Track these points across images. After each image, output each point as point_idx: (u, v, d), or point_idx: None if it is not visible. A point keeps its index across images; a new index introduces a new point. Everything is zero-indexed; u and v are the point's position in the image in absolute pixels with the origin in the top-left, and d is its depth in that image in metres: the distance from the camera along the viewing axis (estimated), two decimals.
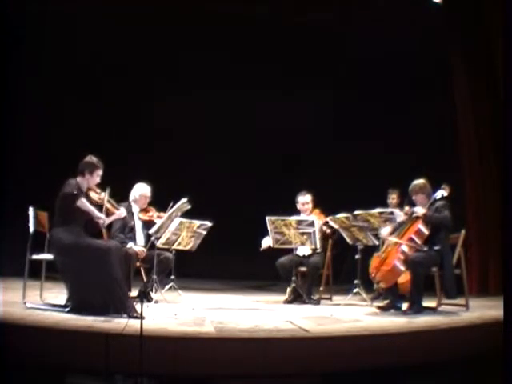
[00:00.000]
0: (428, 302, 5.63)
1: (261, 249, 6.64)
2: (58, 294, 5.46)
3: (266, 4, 8.45)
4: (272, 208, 6.60)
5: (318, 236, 6.33)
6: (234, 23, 8.60)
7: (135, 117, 8.95)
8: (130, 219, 6.02)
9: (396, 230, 5.79)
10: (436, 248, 5.48)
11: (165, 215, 5.98)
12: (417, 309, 5.39)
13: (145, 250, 5.97)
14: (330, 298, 6.73)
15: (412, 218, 5.60)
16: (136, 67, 8.74)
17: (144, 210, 6.26)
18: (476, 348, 4.35)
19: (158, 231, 5.93)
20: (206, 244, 6.38)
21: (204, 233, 6.29)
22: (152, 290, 5.92)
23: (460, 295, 5.62)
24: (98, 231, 5.20)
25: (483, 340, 4.45)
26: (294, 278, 6.53)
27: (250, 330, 4.50)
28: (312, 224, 6.34)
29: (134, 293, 5.63)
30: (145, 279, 6.20)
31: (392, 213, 6.31)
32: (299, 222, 6.38)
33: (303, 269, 6.63)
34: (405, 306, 5.57)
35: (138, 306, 4.71)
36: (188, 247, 6.30)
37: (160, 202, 6.30)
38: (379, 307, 5.84)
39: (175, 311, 5.24)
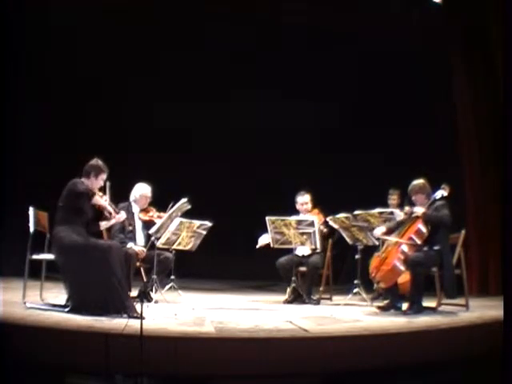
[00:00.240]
0: (428, 302, 5.63)
1: (257, 246, 6.65)
2: (58, 294, 5.45)
3: (266, 4, 8.45)
4: (272, 208, 6.60)
5: (317, 236, 6.34)
6: (233, 23, 8.60)
7: (135, 117, 8.95)
8: (131, 219, 6.01)
9: (392, 230, 5.81)
10: (436, 248, 5.49)
11: (165, 215, 5.98)
12: (417, 309, 5.39)
13: (145, 250, 5.97)
14: (330, 298, 6.73)
15: (412, 218, 5.60)
16: (136, 67, 8.73)
17: (144, 210, 6.26)
18: (476, 348, 4.35)
19: (158, 231, 5.93)
20: (206, 244, 6.38)
21: (204, 233, 6.29)
22: (152, 290, 5.92)
23: (460, 295, 5.62)
24: (99, 232, 5.20)
25: (483, 340, 4.45)
26: (293, 278, 6.54)
27: (250, 329, 4.50)
28: (312, 224, 6.34)
29: (134, 293, 5.63)
30: (145, 279, 6.19)
31: (392, 213, 6.32)
32: (299, 222, 6.38)
33: (303, 269, 6.64)
34: (405, 306, 5.58)
35: (138, 306, 4.71)
36: (188, 247, 6.31)
37: (160, 202, 6.30)
38: (379, 307, 5.84)
39: (175, 311, 5.24)
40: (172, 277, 6.27)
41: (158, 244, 5.99)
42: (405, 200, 6.65)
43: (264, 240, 6.58)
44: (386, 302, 5.92)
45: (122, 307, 4.71)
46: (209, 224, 6.26)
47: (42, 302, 5.26)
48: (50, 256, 5.16)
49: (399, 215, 6.21)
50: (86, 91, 8.55)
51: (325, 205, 6.85)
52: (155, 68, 8.89)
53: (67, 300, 4.91)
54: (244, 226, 8.15)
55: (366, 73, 8.72)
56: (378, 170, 8.48)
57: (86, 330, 4.08)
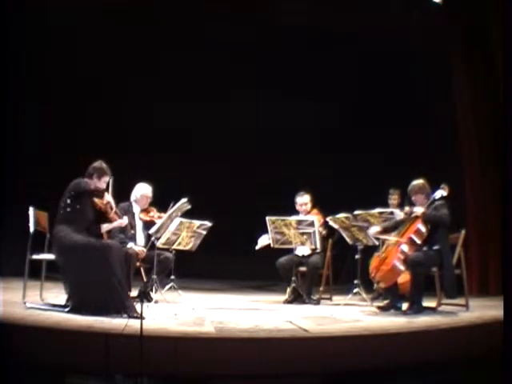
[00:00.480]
0: (428, 302, 5.63)
1: (257, 247, 6.65)
2: (58, 294, 5.45)
3: (266, 4, 8.45)
4: (272, 208, 6.60)
5: (317, 236, 6.34)
6: (233, 23, 8.60)
7: (135, 117, 8.95)
8: (131, 219, 6.01)
9: (387, 229, 5.82)
10: (436, 248, 5.49)
11: (165, 215, 5.98)
12: (417, 309, 5.39)
13: (145, 250, 5.97)
14: (330, 298, 6.73)
15: (411, 218, 5.60)
16: (136, 67, 8.74)
17: (145, 211, 6.25)
18: (476, 348, 4.35)
19: (158, 231, 5.93)
20: (206, 244, 6.38)
21: (204, 233, 6.29)
22: (152, 290, 5.92)
23: (460, 295, 5.62)
24: (99, 233, 5.20)
25: (483, 340, 4.45)
26: (293, 278, 6.54)
27: (250, 329, 4.50)
28: (312, 224, 6.34)
29: (134, 293, 5.63)
30: (145, 279, 6.19)
31: (392, 213, 6.32)
32: (299, 222, 6.38)
33: (303, 269, 6.64)
34: (405, 306, 5.58)
35: (138, 306, 4.71)
36: (188, 247, 6.31)
37: (160, 202, 6.30)
38: (379, 307, 5.84)
39: (175, 311, 5.24)
40: (172, 277, 6.27)
41: (158, 244, 5.99)
42: (405, 200, 6.65)
43: (264, 241, 6.58)
44: (385, 302, 5.92)
45: (122, 307, 4.71)
46: (209, 224, 6.26)
47: (42, 302, 5.26)
48: (50, 256, 5.16)
49: (399, 215, 6.20)
50: (85, 91, 8.55)
51: (325, 205, 6.84)
52: (155, 68, 8.89)
53: (67, 300, 4.91)
54: (244, 226, 8.15)
55: (366, 73, 8.72)
56: (377, 170, 8.47)
57: (86, 329, 4.08)
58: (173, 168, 8.83)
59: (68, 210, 4.99)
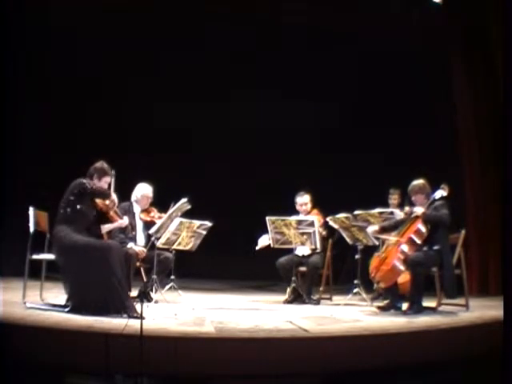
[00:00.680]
0: (428, 302, 5.63)
1: (257, 247, 6.65)
2: (58, 294, 5.45)
3: (266, 4, 8.44)
4: (272, 208, 6.60)
5: (317, 236, 6.34)
6: (233, 23, 8.60)
7: (135, 117, 8.96)
8: (131, 220, 6.01)
9: (385, 228, 5.82)
10: (436, 248, 5.49)
11: (165, 215, 5.98)
12: (417, 309, 5.39)
13: (145, 250, 5.97)
14: (330, 298, 6.73)
15: (411, 218, 5.60)
16: (136, 67, 8.74)
17: (146, 211, 6.25)
18: (476, 348, 4.35)
19: (158, 231, 5.93)
20: (206, 244, 6.38)
21: (204, 233, 6.29)
22: (152, 290, 5.92)
23: (460, 295, 5.62)
24: (100, 234, 5.20)
25: (483, 340, 4.45)
26: (293, 278, 6.54)
27: (250, 329, 4.50)
28: (312, 224, 6.34)
29: (134, 293, 5.63)
30: (145, 279, 6.19)
31: (392, 213, 6.33)
32: (299, 222, 6.38)
33: (303, 269, 6.64)
34: (405, 306, 5.57)
35: (138, 306, 4.71)
36: (188, 247, 6.31)
37: (160, 202, 6.30)
38: (379, 307, 5.84)
39: (175, 311, 5.24)
40: (172, 277, 6.27)
41: (158, 244, 5.99)
42: (405, 200, 6.65)
43: (264, 241, 6.58)
44: (386, 302, 5.92)
45: (122, 307, 4.71)
46: (209, 224, 6.26)
47: (42, 302, 5.25)
48: (50, 256, 5.16)
49: (399, 215, 6.21)
50: (86, 91, 8.55)
51: (325, 205, 6.85)
52: (155, 68, 8.89)
53: (67, 300, 4.91)
54: (244, 226, 8.15)
55: (366, 73, 8.72)
56: (378, 170, 8.48)
57: (86, 329, 4.08)
58: (173, 168, 8.83)
59: (68, 210, 4.99)
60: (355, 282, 6.41)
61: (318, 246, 6.42)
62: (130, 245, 5.85)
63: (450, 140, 7.93)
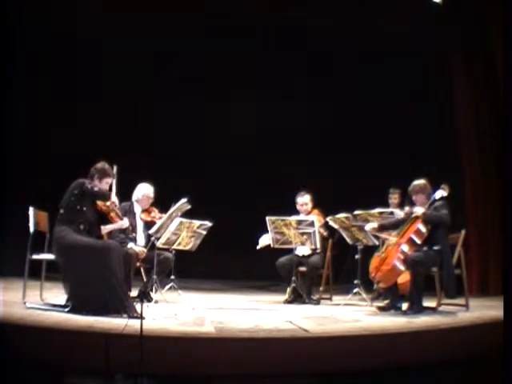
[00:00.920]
0: (428, 302, 5.63)
1: (258, 247, 6.65)
2: (58, 293, 5.45)
3: (266, 4, 8.44)
4: (272, 208, 6.60)
5: (317, 236, 6.34)
6: (234, 22, 8.60)
7: (135, 117, 8.96)
8: (132, 220, 6.00)
9: (384, 226, 5.82)
10: (436, 248, 5.48)
11: (165, 215, 5.98)
12: (417, 309, 5.39)
13: (145, 250, 5.97)
14: (330, 298, 6.73)
15: (411, 218, 5.60)
16: (136, 67, 8.74)
17: (146, 211, 6.25)
18: (476, 348, 4.35)
19: (157, 231, 5.93)
20: (206, 244, 6.38)
21: (204, 233, 6.29)
22: (152, 290, 5.92)
23: (460, 295, 5.62)
24: (100, 234, 5.20)
25: (483, 340, 4.45)
26: (293, 278, 6.54)
27: (250, 329, 4.50)
28: (312, 224, 6.34)
29: (134, 293, 5.63)
30: (145, 279, 6.19)
31: (392, 213, 6.33)
32: (299, 222, 6.38)
33: (303, 269, 6.64)
34: (405, 306, 5.57)
35: (138, 306, 4.71)
36: (188, 247, 6.31)
37: (160, 202, 6.30)
38: (379, 307, 5.84)
39: (175, 311, 5.24)
40: (172, 277, 6.26)
41: (158, 244, 5.99)
42: (405, 199, 6.65)
43: (265, 240, 6.58)
44: (386, 302, 5.92)
45: (122, 307, 4.70)
46: (209, 224, 6.26)
47: (42, 302, 5.25)
48: (50, 256, 5.16)
49: (399, 215, 6.21)
50: (85, 91, 8.55)
51: (325, 205, 6.85)
52: (155, 68, 8.89)
53: (67, 300, 4.91)
54: (244, 225, 8.15)
55: (366, 73, 8.72)
56: (378, 170, 8.48)
57: (86, 329, 4.08)
58: (173, 168, 8.83)
59: (68, 210, 4.99)
60: (355, 282, 6.41)
61: (318, 246, 6.42)
62: (130, 245, 5.85)
63: (450, 140, 7.93)
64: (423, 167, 6.86)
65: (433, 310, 5.55)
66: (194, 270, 8.12)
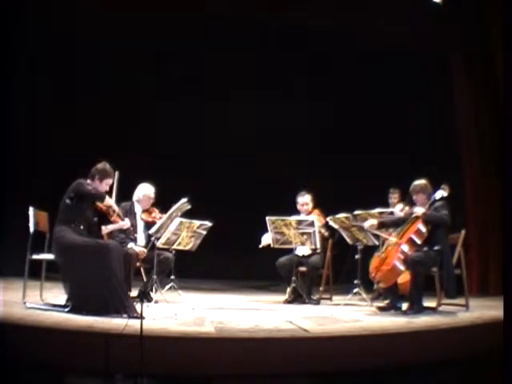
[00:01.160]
0: (428, 302, 5.63)
1: (260, 245, 6.64)
2: (58, 293, 5.45)
3: (266, 4, 8.44)
4: (272, 208, 6.60)
5: (317, 236, 6.34)
6: (234, 22, 8.60)
7: (135, 117, 8.96)
8: (132, 220, 6.00)
9: (384, 224, 5.82)
10: (436, 248, 5.48)
11: (165, 215, 5.98)
12: (417, 309, 5.39)
13: (145, 250, 5.97)
14: (330, 298, 6.73)
15: (412, 218, 5.60)
16: (137, 67, 8.74)
17: (147, 211, 6.24)
18: (476, 348, 4.35)
19: (157, 231, 5.93)
20: (206, 244, 6.38)
21: (204, 233, 6.29)
22: (152, 290, 5.91)
23: (460, 295, 5.62)
24: (100, 235, 5.20)
25: (483, 340, 4.45)
26: (293, 278, 6.54)
27: (250, 329, 4.50)
28: (312, 224, 6.34)
29: (134, 293, 5.63)
30: (145, 279, 6.19)
31: (392, 213, 6.33)
32: (299, 222, 6.38)
33: (303, 269, 6.64)
34: (405, 306, 5.57)
35: (138, 306, 4.71)
36: (188, 247, 6.30)
37: (160, 202, 6.30)
38: (379, 307, 5.84)
39: (175, 311, 5.24)
40: (172, 277, 6.26)
41: (158, 244, 5.99)
42: (406, 199, 6.65)
43: (267, 239, 6.58)
44: (386, 302, 5.92)
45: (122, 307, 4.70)
46: (209, 224, 6.26)
47: (42, 302, 5.25)
48: (50, 256, 5.16)
49: (399, 215, 6.21)
50: (85, 91, 8.55)
51: (325, 205, 6.85)
52: (155, 68, 8.89)
53: (67, 300, 4.91)
54: (244, 226, 8.15)
55: (366, 73, 8.72)
56: (378, 170, 8.48)
57: (86, 329, 4.08)
58: (173, 168, 8.83)
59: (68, 210, 4.99)
60: (355, 282, 6.41)
61: (318, 245, 6.42)
62: (131, 245, 5.85)
63: (450, 140, 7.93)
64: (423, 167, 6.86)
65: (433, 310, 5.55)
66: (193, 269, 8.12)
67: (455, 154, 7.83)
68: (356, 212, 6.34)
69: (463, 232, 5.84)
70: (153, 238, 5.95)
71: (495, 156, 7.25)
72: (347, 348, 4.13)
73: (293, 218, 6.47)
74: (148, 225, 6.15)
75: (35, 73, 8.21)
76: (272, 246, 6.52)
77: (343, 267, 7.49)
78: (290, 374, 3.96)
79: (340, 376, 3.99)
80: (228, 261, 8.65)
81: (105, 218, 5.21)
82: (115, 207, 5.19)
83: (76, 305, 4.76)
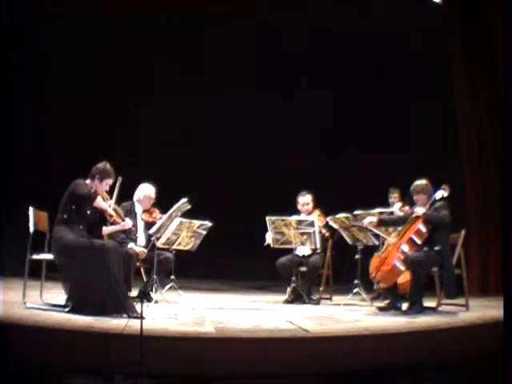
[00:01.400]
0: (428, 302, 5.63)
1: (265, 243, 6.62)
2: (58, 294, 5.44)
3: (266, 4, 8.45)
4: (272, 208, 6.60)
5: (318, 236, 6.33)
6: (233, 21, 8.61)
7: (136, 117, 8.96)
8: (133, 220, 5.99)
9: (384, 221, 5.83)
10: (436, 248, 5.48)
11: (165, 215, 5.97)
12: (417, 309, 5.38)
13: (145, 250, 5.96)
14: (330, 298, 6.73)
15: (412, 218, 5.60)
16: (136, 67, 8.74)
17: (148, 211, 6.24)
18: (476, 348, 4.35)
19: (158, 231, 5.93)
20: (206, 244, 6.38)
21: (204, 233, 6.28)
22: (152, 290, 5.91)
23: (460, 295, 5.61)
24: (100, 235, 5.19)
25: (483, 340, 4.44)
26: (293, 278, 6.53)
27: (250, 329, 4.50)
28: (312, 224, 6.33)
29: (134, 293, 5.63)
30: (145, 279, 6.19)
31: (392, 213, 6.33)
32: (299, 222, 6.38)
33: (303, 269, 6.64)
34: (405, 306, 5.57)
35: (137, 306, 4.70)
36: (188, 247, 6.30)
37: (160, 202, 6.29)
38: (379, 307, 5.84)
39: (175, 311, 5.23)
40: (172, 277, 6.26)
41: (158, 244, 5.99)
42: (405, 199, 6.65)
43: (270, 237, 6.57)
44: (386, 302, 5.92)
45: (122, 308, 4.70)
46: (209, 224, 6.25)
47: (42, 302, 5.25)
48: (50, 256, 5.15)
49: (399, 215, 6.21)
50: (86, 91, 8.55)
51: (325, 205, 6.84)
52: (155, 68, 8.89)
53: (67, 300, 4.91)
54: (244, 225, 8.14)
55: (366, 73, 8.73)
56: (378, 170, 8.48)
57: (86, 329, 4.08)
58: (173, 168, 8.83)
59: (66, 210, 4.98)
60: (355, 281, 6.40)
61: (318, 245, 6.41)
62: (131, 245, 5.85)
63: (450, 140, 7.93)
64: (423, 167, 6.85)
65: (433, 310, 5.55)
66: (193, 270, 8.12)
67: (455, 154, 7.83)
68: (356, 212, 6.34)
69: (463, 232, 5.84)
70: (153, 238, 5.95)
71: (495, 156, 7.25)
72: (347, 348, 4.13)
73: (293, 218, 6.47)
74: (148, 225, 6.14)
75: (35, 71, 8.21)
76: (272, 246, 6.52)
77: (343, 267, 7.49)
78: (290, 374, 3.96)
79: (340, 376, 3.99)
80: (228, 261, 8.65)
81: (105, 218, 5.19)
82: (110, 211, 5.11)
83: (75, 305, 4.76)
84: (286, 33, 8.77)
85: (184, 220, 6.09)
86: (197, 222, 6.18)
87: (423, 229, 5.45)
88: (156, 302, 5.84)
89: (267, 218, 6.41)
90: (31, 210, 5.48)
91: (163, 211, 6.11)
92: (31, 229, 5.42)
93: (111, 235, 5.46)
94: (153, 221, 6.11)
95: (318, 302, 6.46)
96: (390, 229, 6.10)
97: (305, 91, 9.09)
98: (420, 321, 4.97)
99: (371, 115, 8.81)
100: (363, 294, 6.36)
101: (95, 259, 4.77)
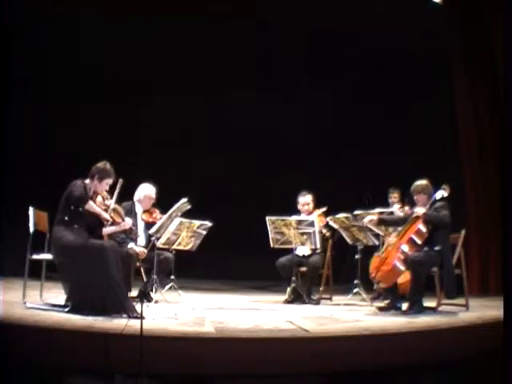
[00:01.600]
0: (428, 302, 5.63)
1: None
2: (58, 294, 5.44)
3: (266, 4, 8.45)
4: (272, 208, 6.60)
5: (317, 236, 6.33)
6: (233, 21, 8.61)
7: (136, 117, 8.96)
8: (133, 220, 5.99)
9: (384, 221, 5.83)
10: (436, 248, 5.48)
11: (165, 215, 5.97)
12: (417, 309, 5.39)
13: (145, 250, 5.96)
14: (330, 298, 6.73)
15: (412, 218, 5.60)
16: (136, 67, 8.74)
17: (148, 212, 6.24)
18: (476, 348, 4.35)
19: (158, 231, 5.93)
20: (206, 244, 6.38)
21: (204, 233, 6.28)
22: (152, 290, 5.91)
23: (460, 295, 5.61)
24: (101, 235, 5.19)
25: (483, 340, 4.45)
26: (293, 278, 6.53)
27: (250, 329, 4.50)
28: (312, 224, 6.33)
29: (134, 293, 5.63)
30: (145, 279, 6.19)
31: (392, 213, 6.33)
32: (299, 222, 6.38)
33: (303, 269, 6.64)
34: (405, 306, 5.57)
35: (137, 306, 4.70)
36: (188, 247, 6.30)
37: (160, 202, 6.29)
38: (379, 307, 5.84)
39: (175, 311, 5.23)
40: (172, 277, 6.26)
41: (158, 244, 5.99)
42: (405, 199, 6.65)
43: None
44: (386, 302, 5.92)
45: (122, 308, 4.70)
46: (209, 224, 6.25)
47: (42, 302, 5.25)
48: (50, 256, 5.15)
49: (399, 215, 6.21)
50: (86, 91, 8.55)
51: (325, 205, 6.84)
52: (155, 68, 8.89)
53: (67, 300, 4.91)
54: (244, 225, 8.14)
55: (366, 73, 8.73)
56: (378, 170, 8.48)
57: (86, 329, 4.08)
58: (173, 168, 8.83)
59: (66, 211, 4.98)
60: (355, 282, 6.40)
61: (318, 246, 6.41)
62: (131, 245, 5.85)
63: (450, 140, 7.93)
64: (423, 167, 6.85)
65: (433, 310, 5.55)
66: (193, 270, 8.12)
67: (455, 154, 7.83)
68: (356, 212, 6.34)
69: (463, 232, 5.84)
70: (153, 238, 5.95)
71: (495, 156, 7.24)
72: (347, 348, 4.13)
73: (293, 218, 6.47)
74: (148, 225, 6.14)
75: (35, 72, 8.21)
76: (272, 246, 6.51)
77: (343, 267, 7.49)
78: (290, 374, 3.96)
79: (340, 376, 3.99)
80: (228, 261, 8.65)
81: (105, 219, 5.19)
82: (104, 214, 5.07)
83: (75, 305, 4.76)
84: (286, 33, 8.77)
85: (184, 220, 6.09)
86: (197, 222, 6.18)
87: (423, 229, 5.45)
88: (156, 301, 5.84)
89: (267, 217, 6.41)
90: (31, 210, 5.48)
91: (163, 211, 6.11)
92: (31, 229, 5.42)
93: (111, 235, 5.45)
94: (153, 221, 6.10)
95: (318, 302, 6.46)
96: (390, 229, 6.10)
97: (305, 91, 9.09)
98: (420, 321, 4.97)
99: (371, 115, 8.81)
100: (363, 294, 6.35)
101: (95, 259, 4.77)
